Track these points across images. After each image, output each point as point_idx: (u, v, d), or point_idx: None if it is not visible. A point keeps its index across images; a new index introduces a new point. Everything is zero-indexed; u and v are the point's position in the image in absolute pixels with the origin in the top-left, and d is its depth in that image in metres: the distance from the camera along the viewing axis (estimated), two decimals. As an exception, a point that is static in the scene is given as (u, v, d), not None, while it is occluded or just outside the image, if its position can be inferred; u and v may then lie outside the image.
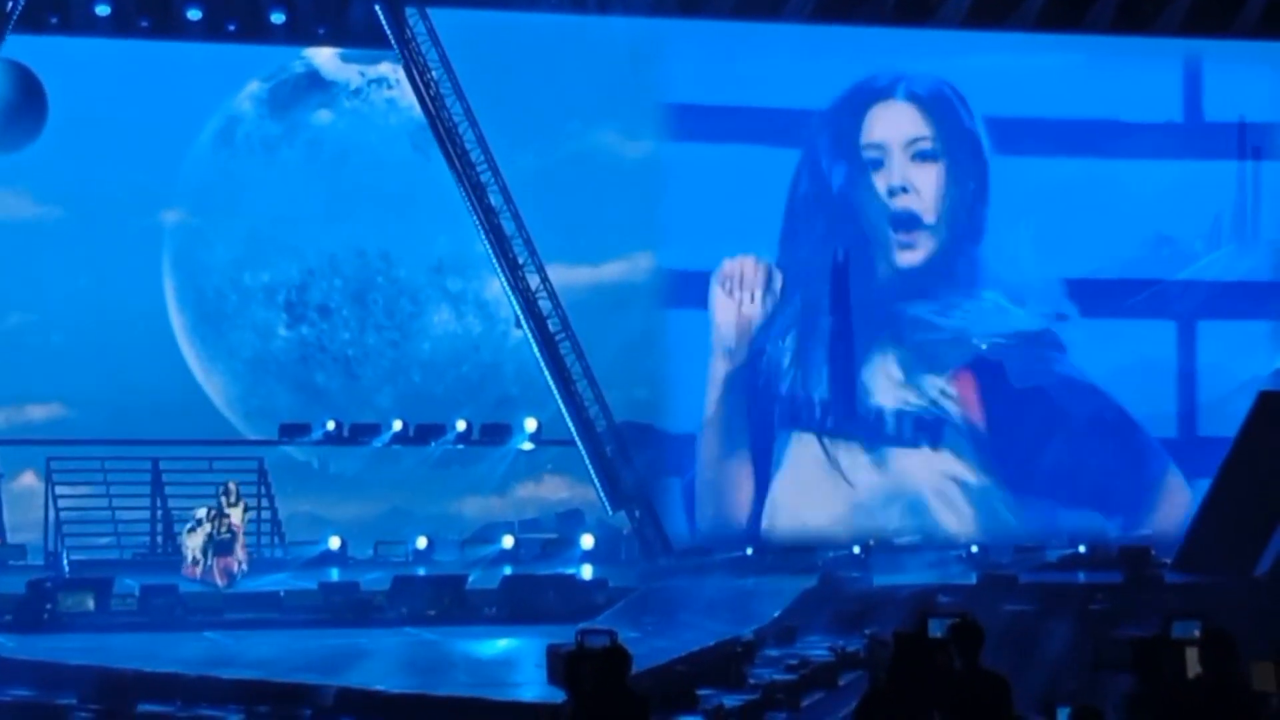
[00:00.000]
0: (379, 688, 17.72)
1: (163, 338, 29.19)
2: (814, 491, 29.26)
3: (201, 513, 25.34)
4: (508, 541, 28.03)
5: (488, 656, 21.73)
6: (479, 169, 28.11)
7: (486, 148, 28.03)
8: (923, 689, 10.45)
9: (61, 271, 28.62)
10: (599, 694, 10.21)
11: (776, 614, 22.65)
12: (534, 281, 28.31)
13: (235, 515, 25.36)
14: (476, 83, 28.13)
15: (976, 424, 30.13)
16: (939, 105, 30.21)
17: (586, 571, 26.49)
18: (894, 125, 30.08)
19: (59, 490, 27.64)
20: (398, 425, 28.58)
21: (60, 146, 28.59)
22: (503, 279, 28.48)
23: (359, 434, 28.66)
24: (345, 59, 29.92)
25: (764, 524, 29.15)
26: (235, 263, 29.53)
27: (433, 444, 28.87)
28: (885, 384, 29.74)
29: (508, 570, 25.90)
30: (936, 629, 10.63)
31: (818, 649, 21.01)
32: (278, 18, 28.24)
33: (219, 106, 29.68)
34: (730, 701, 17.41)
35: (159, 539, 27.64)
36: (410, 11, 28.14)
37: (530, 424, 28.91)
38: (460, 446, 28.92)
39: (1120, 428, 30.38)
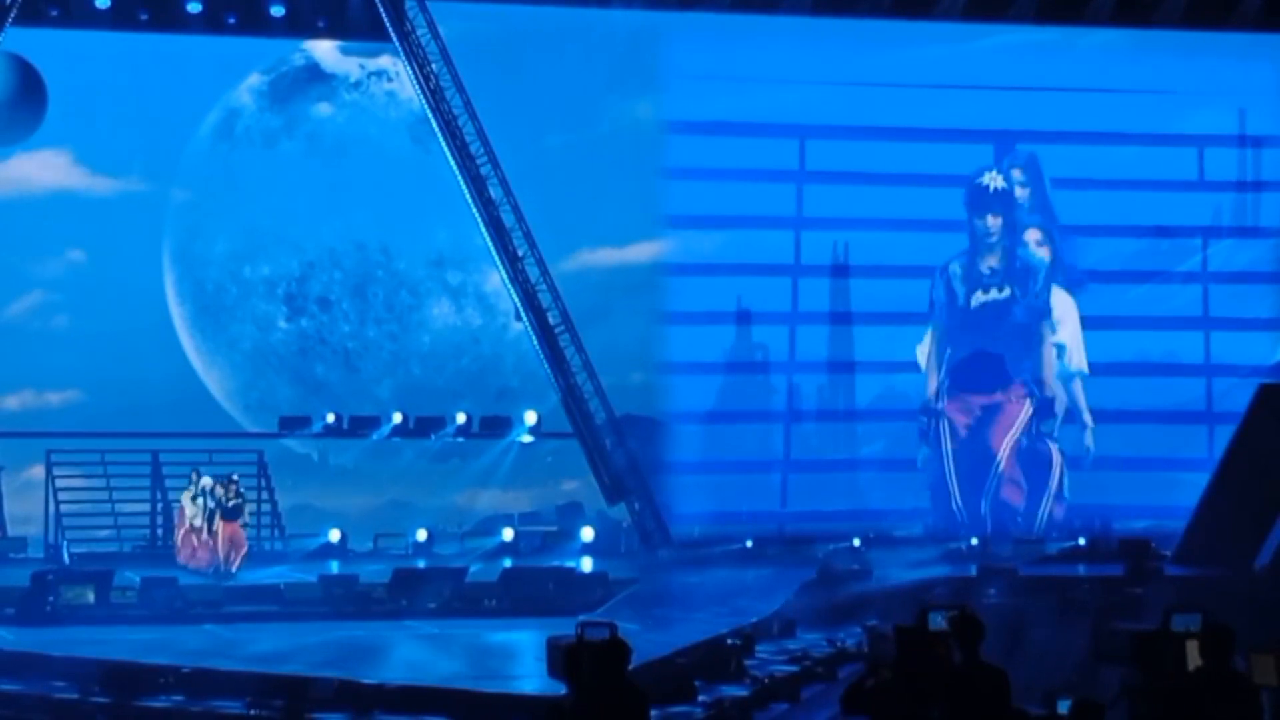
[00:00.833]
0: (379, 680, 17.71)
1: (163, 330, 29.19)
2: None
3: (207, 481, 25.40)
4: (508, 534, 28.04)
5: (488, 649, 21.71)
6: (479, 162, 28.09)
7: (486, 140, 28.02)
8: (923, 681, 10.46)
9: (61, 266, 28.63)
10: (599, 686, 10.21)
11: (776, 606, 22.64)
12: (534, 274, 28.30)
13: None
14: (476, 75, 28.11)
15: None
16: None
17: (586, 564, 26.50)
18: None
19: (59, 483, 27.64)
20: (398, 418, 28.58)
21: (59, 139, 28.60)
22: (502, 272, 28.47)
23: (359, 427, 28.66)
24: (345, 52, 29.92)
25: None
26: (235, 256, 29.54)
27: (433, 436, 28.88)
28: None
29: (508, 563, 25.91)
30: (936, 622, 10.63)
31: (817, 641, 21.02)
32: (278, 11, 28.22)
33: (219, 99, 29.67)
34: (729, 693, 17.41)
35: (159, 532, 27.63)
36: (410, 4, 28.12)
37: (530, 416, 28.92)
38: (460, 439, 28.92)
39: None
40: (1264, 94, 31.18)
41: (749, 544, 27.85)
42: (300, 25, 28.77)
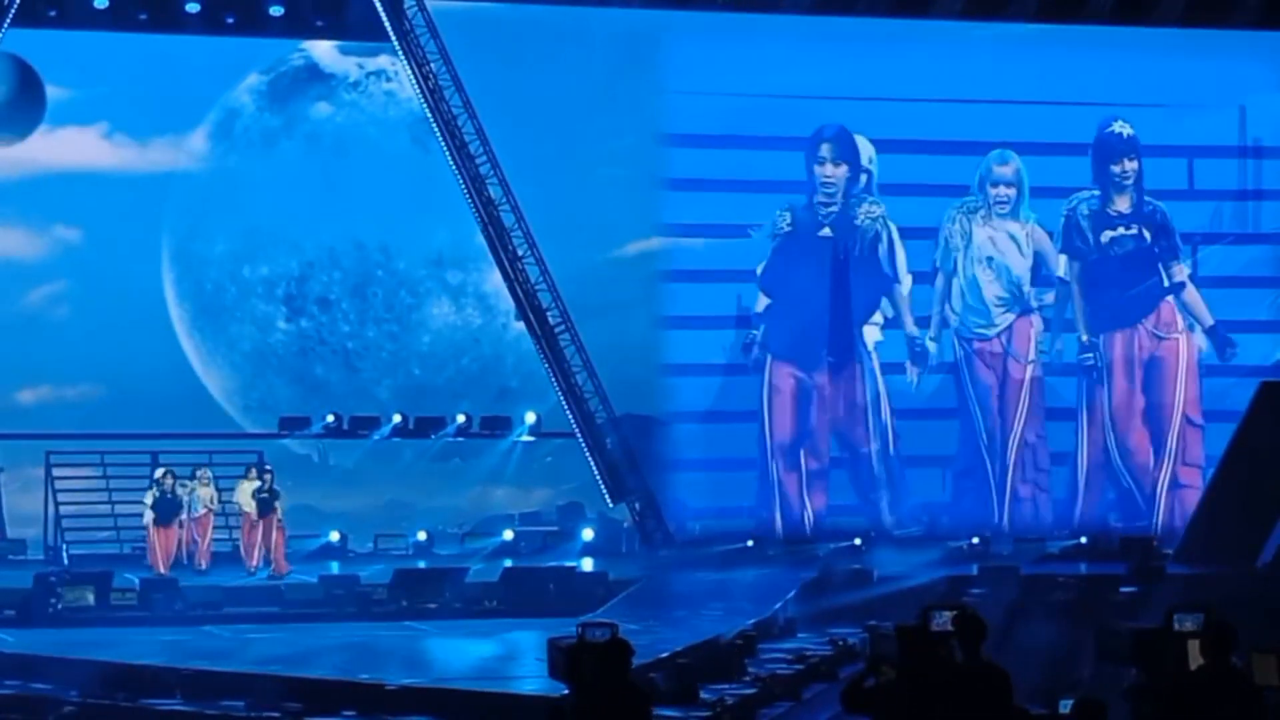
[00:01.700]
0: (379, 680, 17.69)
1: (162, 331, 29.16)
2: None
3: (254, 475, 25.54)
4: (508, 534, 28.02)
5: (488, 649, 21.70)
6: (478, 161, 28.06)
7: (486, 140, 27.99)
8: (924, 681, 10.42)
9: (60, 266, 28.61)
10: (600, 687, 10.18)
11: (777, 606, 22.62)
12: (534, 274, 28.27)
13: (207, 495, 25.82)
14: (475, 75, 28.08)
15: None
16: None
17: (587, 564, 26.48)
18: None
19: (58, 484, 27.62)
20: (398, 418, 28.56)
21: (59, 139, 28.59)
22: (502, 271, 28.44)
23: (359, 427, 28.64)
24: (344, 51, 29.90)
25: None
26: (234, 256, 29.52)
27: (433, 437, 28.86)
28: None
29: (508, 563, 25.88)
30: (938, 621, 10.59)
31: (818, 641, 20.99)
32: (276, 11, 28.19)
33: (218, 99, 29.64)
34: (731, 693, 17.38)
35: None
36: (409, 3, 28.09)
37: (530, 416, 28.90)
38: (460, 439, 28.90)
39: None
40: (1264, 92, 31.15)
41: (750, 544, 27.82)
42: (299, 25, 28.74)
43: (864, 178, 29.95)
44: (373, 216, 29.43)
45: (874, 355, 29.88)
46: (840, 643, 20.42)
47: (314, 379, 29.90)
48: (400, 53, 28.23)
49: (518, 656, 20.89)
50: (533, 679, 17.75)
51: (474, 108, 27.99)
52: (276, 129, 29.74)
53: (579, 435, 28.52)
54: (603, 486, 28.65)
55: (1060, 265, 30.59)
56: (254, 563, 25.52)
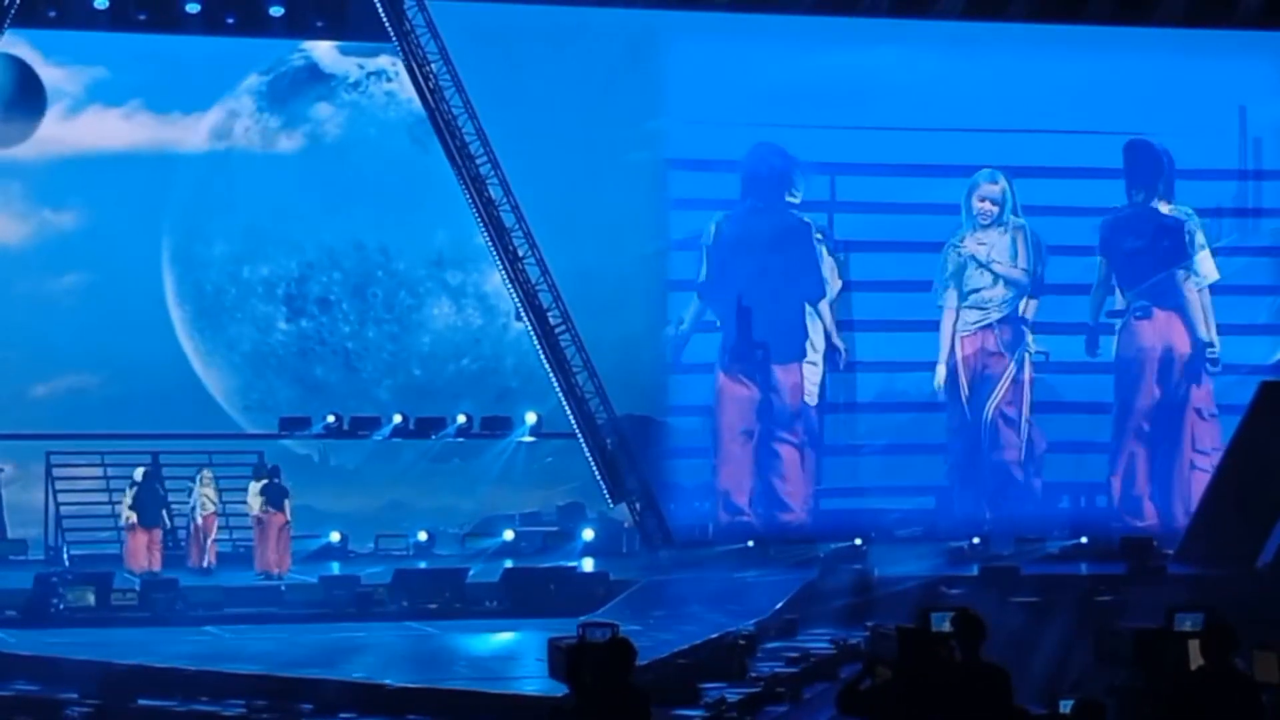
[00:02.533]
0: (380, 681, 17.70)
1: (162, 332, 29.16)
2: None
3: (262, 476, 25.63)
4: (508, 535, 28.02)
5: (488, 650, 21.71)
6: (478, 161, 28.05)
7: (486, 140, 27.98)
8: (923, 683, 10.42)
9: (60, 264, 28.61)
10: (600, 687, 10.18)
11: (778, 606, 22.62)
12: (534, 274, 28.26)
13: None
14: (476, 75, 28.07)
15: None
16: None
17: (587, 564, 26.48)
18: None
19: (59, 484, 27.61)
20: (398, 418, 28.55)
21: (57, 140, 28.60)
22: (503, 272, 28.44)
23: (359, 427, 28.64)
24: (344, 52, 29.89)
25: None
26: (234, 256, 29.51)
27: (433, 437, 28.85)
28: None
29: (509, 563, 25.88)
30: (939, 623, 10.60)
31: (819, 641, 20.99)
32: (276, 11, 28.18)
33: (218, 100, 29.63)
34: (731, 694, 17.39)
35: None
36: (409, 4, 28.09)
37: (531, 417, 28.90)
38: (460, 440, 28.89)
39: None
40: (1265, 92, 31.15)
41: (750, 543, 27.81)
42: (299, 25, 28.73)
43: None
44: (373, 217, 29.42)
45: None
46: (841, 643, 20.42)
47: (314, 379, 29.89)
48: (400, 53, 28.22)
49: (518, 657, 20.90)
50: (533, 679, 17.76)
51: (474, 108, 27.98)
52: (276, 129, 29.73)
53: (579, 435, 28.51)
54: (603, 487, 28.64)
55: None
56: (269, 567, 25.43)
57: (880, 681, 10.61)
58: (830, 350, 29.95)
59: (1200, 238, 30.90)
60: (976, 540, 28.15)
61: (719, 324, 29.65)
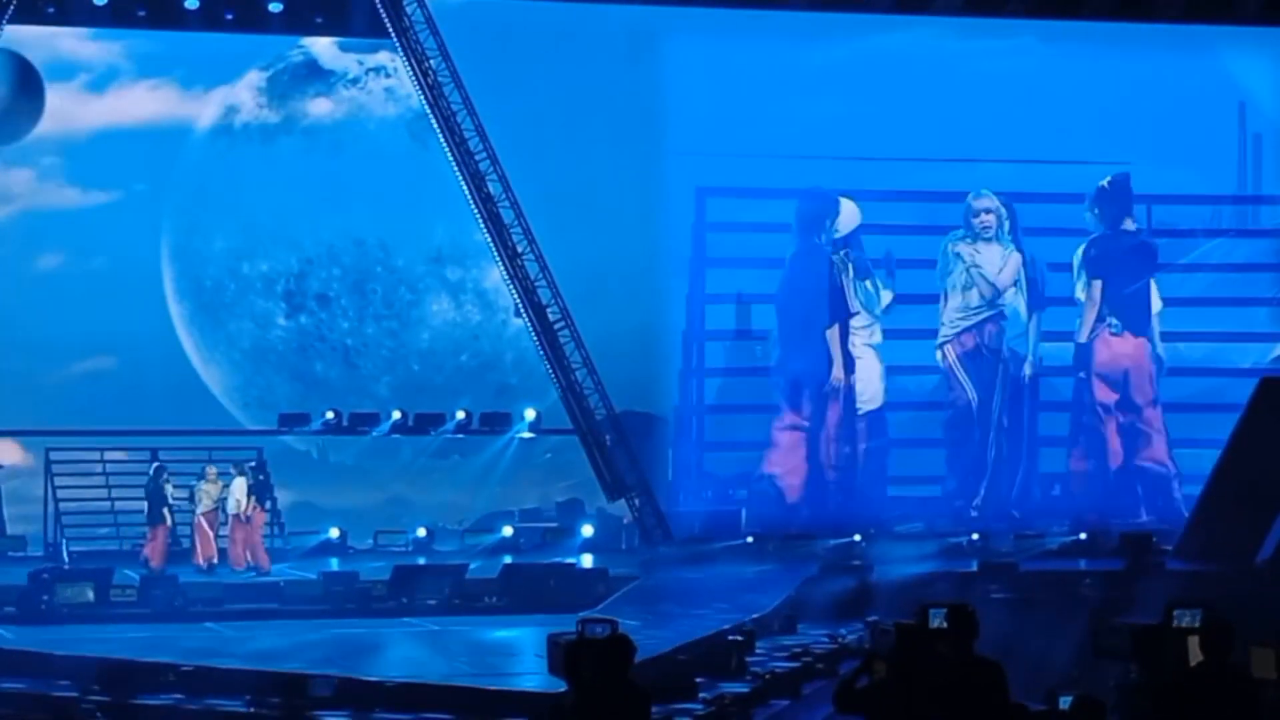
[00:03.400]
0: (379, 677, 17.70)
1: (161, 328, 29.15)
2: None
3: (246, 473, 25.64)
4: (508, 531, 28.01)
5: (488, 646, 21.70)
6: (477, 158, 28.05)
7: (485, 136, 27.98)
8: (919, 679, 10.43)
9: (59, 262, 28.61)
10: (599, 683, 10.18)
11: (777, 602, 22.63)
12: (533, 270, 28.27)
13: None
14: (474, 72, 28.07)
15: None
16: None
17: (587, 560, 26.48)
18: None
19: (58, 481, 27.61)
20: (397, 415, 28.55)
21: (57, 136, 28.61)
22: (502, 268, 28.44)
23: (358, 424, 28.63)
24: (343, 48, 29.89)
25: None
26: (233, 252, 29.51)
27: (432, 433, 28.85)
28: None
29: (508, 559, 25.88)
30: (937, 619, 10.60)
31: (818, 637, 21.00)
32: (275, 7, 28.18)
33: (217, 96, 29.62)
34: (730, 690, 17.39)
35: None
36: (408, 0, 28.08)
37: (530, 413, 28.89)
38: (460, 436, 28.89)
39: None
40: (1264, 88, 31.15)
41: (749, 540, 27.82)
42: (298, 22, 28.74)
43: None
44: (372, 213, 29.42)
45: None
46: (840, 639, 20.43)
47: (313, 376, 29.89)
48: (399, 49, 28.22)
49: (518, 653, 20.90)
50: (532, 675, 17.78)
51: (473, 104, 27.98)
52: (276, 125, 29.73)
53: (578, 432, 28.52)
54: (602, 483, 28.65)
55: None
56: (250, 562, 25.42)
57: (877, 678, 10.62)
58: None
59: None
60: (975, 536, 28.17)
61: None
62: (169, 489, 25.50)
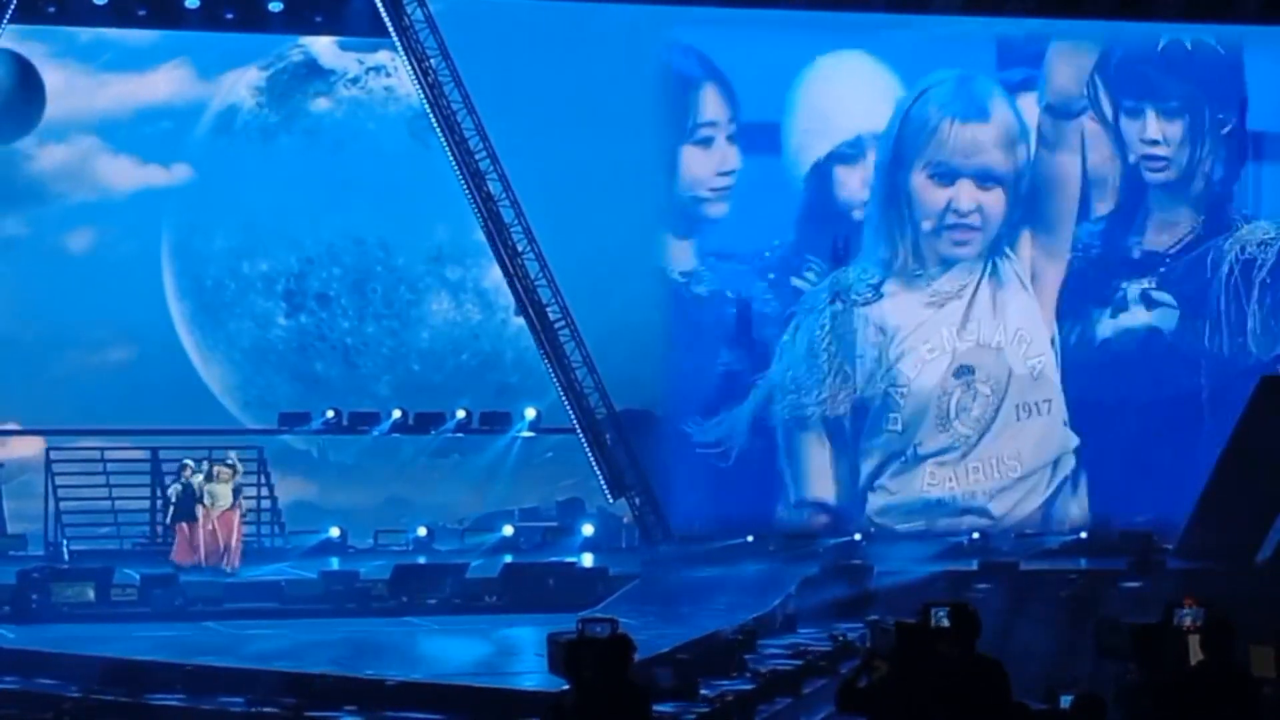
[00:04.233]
0: (379, 676, 17.69)
1: (162, 327, 29.14)
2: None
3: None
4: (508, 530, 28.01)
5: (488, 645, 21.72)
6: (477, 157, 28.05)
7: (485, 135, 27.97)
8: (920, 679, 10.43)
9: (59, 261, 28.62)
10: (600, 683, 10.18)
11: (777, 601, 22.63)
12: (533, 269, 28.27)
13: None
14: (475, 71, 28.07)
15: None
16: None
17: (587, 559, 26.48)
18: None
19: (58, 480, 27.61)
20: (397, 414, 28.55)
21: (57, 136, 28.60)
22: (502, 267, 28.44)
23: (358, 423, 28.63)
24: (343, 47, 29.85)
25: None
26: (233, 252, 29.49)
27: (432, 432, 28.85)
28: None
29: (508, 558, 25.88)
30: (938, 618, 10.60)
31: (818, 637, 21.00)
32: (275, 6, 28.18)
33: (217, 95, 29.60)
34: (731, 689, 17.39)
35: (159, 529, 27.58)
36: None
37: (530, 412, 28.89)
38: (460, 435, 28.89)
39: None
40: (1265, 83, 31.14)
41: (750, 539, 27.82)
42: (298, 21, 28.74)
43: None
44: (372, 212, 29.40)
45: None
46: (841, 638, 20.43)
47: (313, 375, 29.88)
48: (400, 48, 28.21)
49: (518, 652, 20.90)
50: (532, 674, 17.78)
51: (473, 103, 27.97)
52: (275, 124, 29.71)
53: (579, 431, 28.53)
54: (602, 482, 28.66)
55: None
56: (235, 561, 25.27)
57: (878, 677, 10.62)
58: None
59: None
60: (976, 535, 28.18)
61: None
62: (200, 485, 25.28)
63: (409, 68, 28.16)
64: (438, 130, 28.08)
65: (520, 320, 28.72)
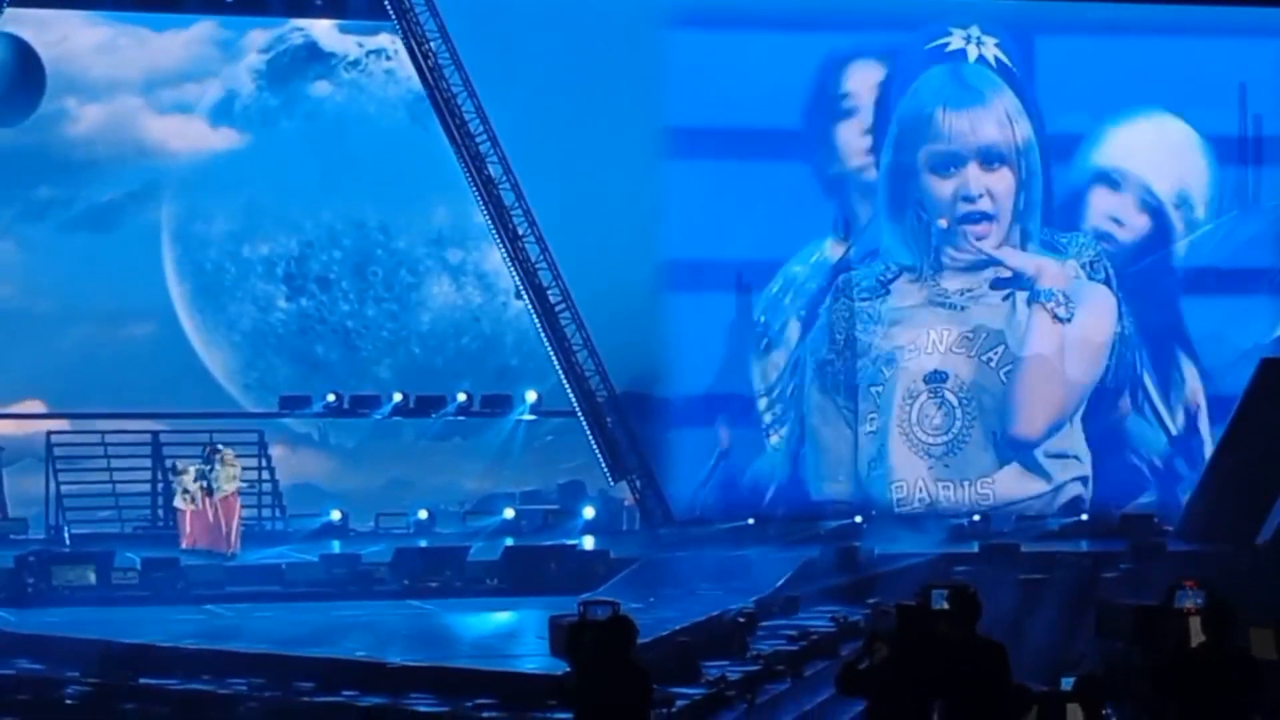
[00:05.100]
0: (380, 659, 17.71)
1: (162, 310, 29.14)
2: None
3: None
4: (509, 513, 28.01)
5: (489, 628, 21.73)
6: (478, 140, 28.04)
7: (485, 119, 27.95)
8: (921, 662, 10.43)
9: (60, 245, 28.61)
10: (601, 665, 10.18)
11: (778, 584, 22.64)
12: (534, 252, 28.26)
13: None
14: (475, 53, 28.04)
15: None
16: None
17: (588, 542, 26.49)
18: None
19: (59, 464, 27.61)
20: (398, 397, 28.56)
21: (57, 120, 28.58)
22: (502, 250, 28.43)
23: (359, 406, 28.64)
24: (343, 30, 29.82)
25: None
26: (234, 235, 29.47)
27: (433, 416, 28.86)
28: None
29: (509, 541, 25.89)
30: (938, 601, 10.61)
31: (820, 619, 21.00)
32: (276, -11, 28.21)
33: (217, 79, 29.58)
34: (732, 671, 17.39)
35: (160, 512, 27.60)
36: (408, -17, 28.06)
37: (531, 395, 28.90)
38: (461, 418, 28.89)
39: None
40: (1265, 69, 31.10)
41: (751, 521, 27.83)
42: (298, 4, 28.72)
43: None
44: (372, 196, 29.38)
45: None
46: (842, 620, 20.43)
47: (314, 358, 29.87)
48: (400, 31, 28.18)
49: (519, 635, 20.92)
50: (534, 657, 17.77)
51: (473, 86, 27.96)
52: (276, 108, 29.68)
53: (580, 414, 28.53)
54: (603, 464, 28.67)
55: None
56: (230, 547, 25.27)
57: (879, 659, 10.63)
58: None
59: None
60: (977, 517, 28.17)
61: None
62: (222, 467, 25.26)
63: (409, 51, 28.13)
64: (438, 113, 28.05)
65: (521, 303, 28.71)
